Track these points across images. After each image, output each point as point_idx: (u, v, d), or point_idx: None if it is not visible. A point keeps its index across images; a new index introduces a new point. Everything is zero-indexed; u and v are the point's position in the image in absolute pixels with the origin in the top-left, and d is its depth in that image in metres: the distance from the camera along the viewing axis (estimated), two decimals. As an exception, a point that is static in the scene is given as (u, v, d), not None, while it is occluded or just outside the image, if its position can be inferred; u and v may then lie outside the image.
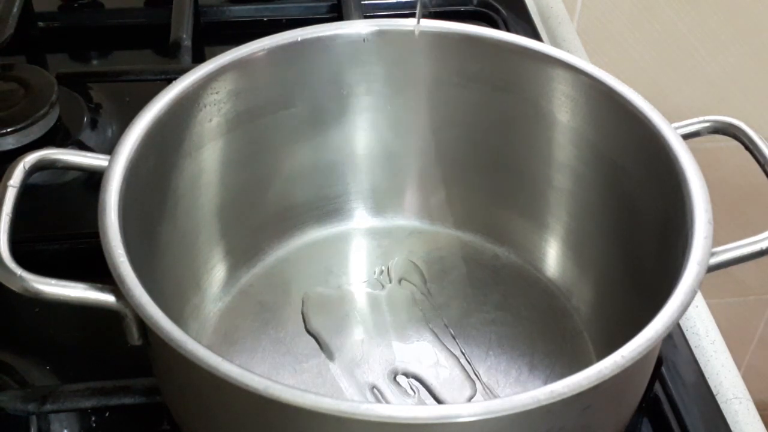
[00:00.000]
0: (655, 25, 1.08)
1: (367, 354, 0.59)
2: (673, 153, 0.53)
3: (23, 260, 0.47)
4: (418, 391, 0.58)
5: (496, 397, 0.57)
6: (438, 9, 0.88)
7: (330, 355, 0.59)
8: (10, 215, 0.49)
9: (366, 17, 0.83)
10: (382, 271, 0.66)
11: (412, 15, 0.86)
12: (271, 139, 0.64)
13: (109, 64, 0.85)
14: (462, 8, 0.89)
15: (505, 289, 0.65)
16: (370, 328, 0.61)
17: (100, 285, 0.47)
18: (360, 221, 0.70)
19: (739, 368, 0.62)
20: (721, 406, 0.59)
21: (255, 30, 0.64)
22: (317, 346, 0.61)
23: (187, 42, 0.80)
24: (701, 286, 0.47)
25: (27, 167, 0.51)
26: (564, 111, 0.61)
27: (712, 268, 0.49)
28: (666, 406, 0.57)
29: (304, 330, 0.62)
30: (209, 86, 0.59)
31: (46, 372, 0.58)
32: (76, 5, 0.87)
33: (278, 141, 0.64)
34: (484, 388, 0.58)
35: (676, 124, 0.56)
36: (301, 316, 0.63)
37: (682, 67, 1.08)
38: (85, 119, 0.75)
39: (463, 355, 0.60)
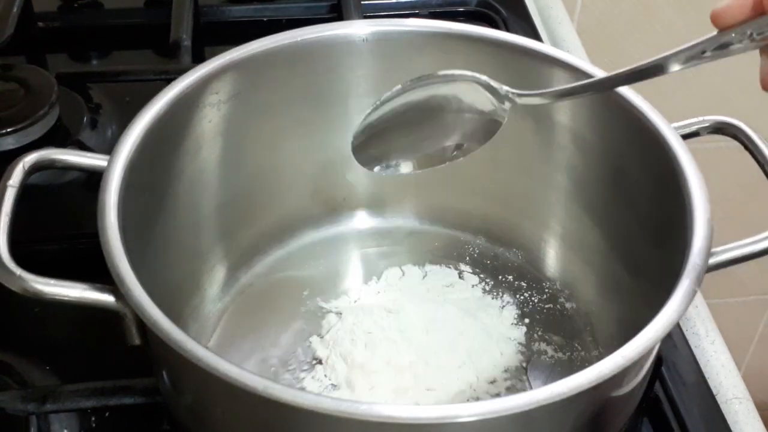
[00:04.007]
0: (655, 25, 1.07)
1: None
2: (672, 153, 0.53)
3: (23, 260, 0.47)
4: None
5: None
6: (438, 9, 0.88)
7: None
8: (10, 215, 0.49)
9: (366, 17, 0.83)
10: (381, 272, 0.66)
11: (412, 15, 0.86)
12: (270, 139, 0.64)
13: (109, 64, 0.85)
14: (462, 8, 0.89)
15: (506, 289, 0.65)
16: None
17: (99, 285, 0.47)
18: (360, 221, 0.70)
19: (739, 368, 0.62)
20: (721, 406, 0.59)
21: (255, 30, 0.64)
22: (316, 347, 0.61)
23: (186, 42, 0.80)
24: (701, 286, 0.47)
25: (26, 167, 0.51)
26: (564, 111, 0.61)
27: (711, 268, 0.49)
28: (666, 406, 0.57)
29: (303, 330, 0.62)
30: (209, 86, 0.59)
31: (46, 372, 0.58)
32: (75, 5, 0.87)
33: (278, 141, 0.64)
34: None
35: (675, 124, 0.56)
36: (300, 316, 0.63)
37: (682, 67, 1.08)
38: (85, 119, 0.75)
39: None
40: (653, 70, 0.46)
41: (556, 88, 0.53)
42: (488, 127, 0.53)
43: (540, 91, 0.52)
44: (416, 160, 0.56)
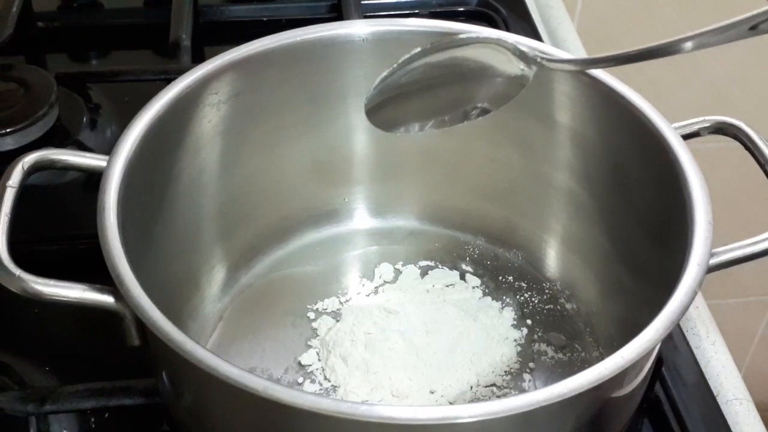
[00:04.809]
0: (655, 24, 1.07)
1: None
2: (673, 153, 0.53)
3: (22, 261, 0.47)
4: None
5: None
6: (438, 9, 0.88)
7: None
8: (9, 215, 0.49)
9: (366, 17, 0.83)
10: (381, 273, 0.66)
11: (412, 15, 0.86)
12: (270, 139, 0.64)
13: (109, 64, 0.85)
14: (462, 8, 0.89)
15: (506, 290, 0.65)
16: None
17: (99, 286, 0.47)
18: (359, 222, 0.70)
19: (739, 369, 0.62)
20: (722, 407, 0.58)
21: (255, 30, 0.64)
22: (316, 347, 0.61)
23: (186, 42, 0.80)
24: (702, 286, 0.47)
25: (26, 168, 0.51)
26: (564, 111, 0.61)
27: (712, 269, 0.48)
28: (666, 407, 0.57)
29: (303, 330, 0.62)
30: (209, 86, 0.58)
31: (46, 373, 0.58)
32: (75, 5, 0.87)
33: (278, 141, 0.64)
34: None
35: (676, 124, 0.56)
36: (299, 316, 0.63)
37: (682, 67, 1.08)
38: (85, 119, 0.75)
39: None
40: (678, 47, 0.45)
41: (586, 57, 0.52)
42: (510, 89, 0.51)
43: (570, 58, 0.52)
44: (435, 123, 0.54)
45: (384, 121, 0.53)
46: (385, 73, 0.51)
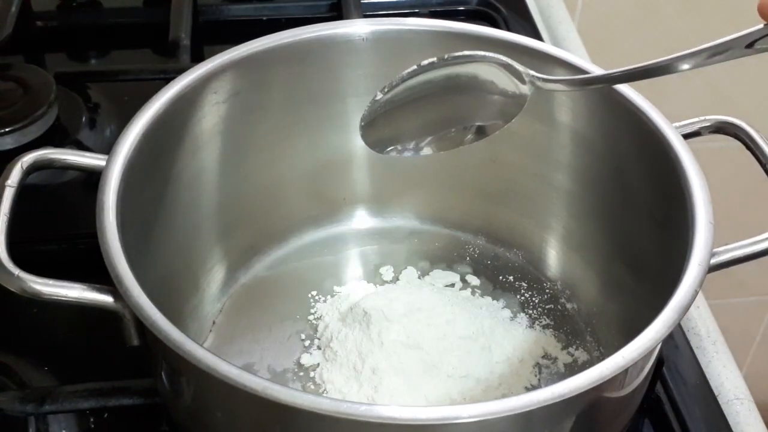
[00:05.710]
0: (656, 24, 1.07)
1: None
2: (674, 153, 0.53)
3: (21, 260, 0.47)
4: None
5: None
6: (438, 8, 0.88)
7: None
8: (8, 215, 0.49)
9: (365, 16, 0.83)
10: (381, 273, 0.66)
11: (412, 14, 0.86)
12: (270, 139, 0.64)
13: (108, 63, 0.85)
14: (462, 7, 0.89)
15: (506, 290, 0.65)
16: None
17: (98, 285, 0.47)
18: (359, 222, 0.69)
19: (740, 369, 0.62)
20: (723, 406, 0.58)
21: (254, 29, 0.64)
22: (316, 347, 0.61)
23: (185, 41, 0.80)
24: (702, 286, 0.47)
25: (25, 167, 0.51)
26: (565, 110, 0.61)
27: (713, 269, 0.48)
28: (667, 407, 0.57)
29: (303, 330, 0.62)
30: (208, 86, 0.58)
31: (45, 373, 0.58)
32: (74, 4, 0.87)
33: (277, 140, 0.64)
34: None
35: (677, 124, 0.56)
36: (299, 316, 0.63)
37: (682, 67, 1.08)
38: (84, 119, 0.75)
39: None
40: (676, 65, 0.45)
41: (582, 76, 0.52)
42: (508, 110, 0.52)
43: (564, 78, 0.52)
44: (431, 142, 0.54)
45: (378, 141, 0.54)
46: (379, 95, 0.52)
